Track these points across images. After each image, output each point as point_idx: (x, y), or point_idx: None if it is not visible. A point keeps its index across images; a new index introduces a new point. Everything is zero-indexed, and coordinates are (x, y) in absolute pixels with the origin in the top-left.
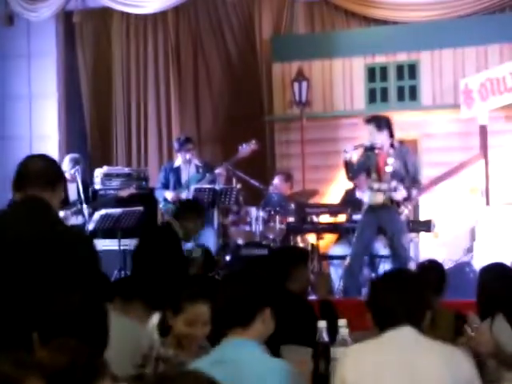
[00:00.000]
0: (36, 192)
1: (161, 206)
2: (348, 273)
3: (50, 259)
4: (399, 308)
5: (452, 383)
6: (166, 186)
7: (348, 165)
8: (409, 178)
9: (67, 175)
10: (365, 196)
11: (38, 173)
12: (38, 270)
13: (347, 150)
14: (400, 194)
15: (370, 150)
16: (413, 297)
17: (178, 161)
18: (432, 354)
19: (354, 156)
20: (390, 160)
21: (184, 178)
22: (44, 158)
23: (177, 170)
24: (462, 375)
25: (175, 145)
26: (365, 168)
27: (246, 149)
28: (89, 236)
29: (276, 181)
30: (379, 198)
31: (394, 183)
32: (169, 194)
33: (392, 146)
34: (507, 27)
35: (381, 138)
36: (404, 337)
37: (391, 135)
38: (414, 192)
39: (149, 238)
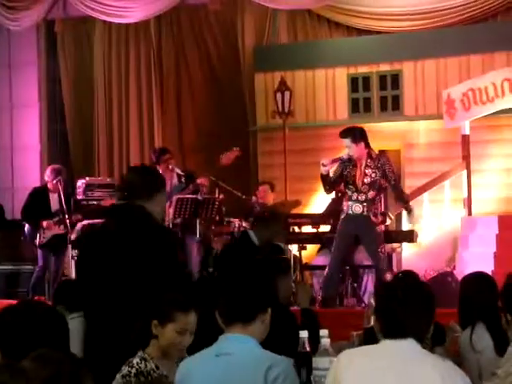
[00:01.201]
0: (134, 201)
1: None
2: (327, 283)
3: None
4: (406, 321)
5: None
6: None
7: (325, 178)
8: (390, 185)
9: (49, 185)
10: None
11: (134, 184)
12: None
13: (325, 163)
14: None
15: (347, 162)
16: (421, 311)
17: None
18: (427, 366)
19: (332, 168)
20: (368, 171)
21: (166, 188)
22: (141, 170)
23: None
24: None
25: (152, 157)
26: (342, 180)
27: (228, 155)
28: (176, 239)
29: (262, 190)
30: (357, 209)
31: (371, 193)
32: None
33: (370, 156)
34: (489, 37)
35: (358, 150)
36: (401, 346)
37: (367, 145)
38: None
39: (227, 249)
